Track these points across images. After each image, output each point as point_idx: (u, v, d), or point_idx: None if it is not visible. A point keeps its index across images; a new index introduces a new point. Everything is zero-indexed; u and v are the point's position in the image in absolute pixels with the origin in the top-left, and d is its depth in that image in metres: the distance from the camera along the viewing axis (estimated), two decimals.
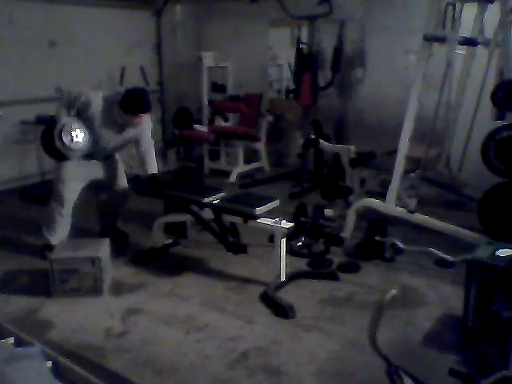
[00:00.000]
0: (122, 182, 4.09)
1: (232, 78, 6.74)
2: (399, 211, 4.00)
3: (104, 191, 4.10)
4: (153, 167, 3.84)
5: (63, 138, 3.53)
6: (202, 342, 2.81)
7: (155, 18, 7.25)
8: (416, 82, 3.81)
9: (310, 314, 3.09)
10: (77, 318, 3.06)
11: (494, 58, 3.93)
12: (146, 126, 3.82)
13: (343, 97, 6.26)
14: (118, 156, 4.09)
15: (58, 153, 3.62)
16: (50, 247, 3.70)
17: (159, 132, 7.42)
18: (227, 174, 6.32)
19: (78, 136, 3.56)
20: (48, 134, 3.63)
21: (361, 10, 5.85)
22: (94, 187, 4.02)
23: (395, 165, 3.94)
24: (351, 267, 3.69)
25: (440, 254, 3.58)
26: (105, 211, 4.22)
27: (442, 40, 3.80)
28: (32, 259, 3.83)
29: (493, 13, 3.95)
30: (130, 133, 3.77)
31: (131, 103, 3.54)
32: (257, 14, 6.53)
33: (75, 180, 3.78)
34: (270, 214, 3.42)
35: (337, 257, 3.87)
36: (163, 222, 3.98)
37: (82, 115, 3.61)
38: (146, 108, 3.62)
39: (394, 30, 5.52)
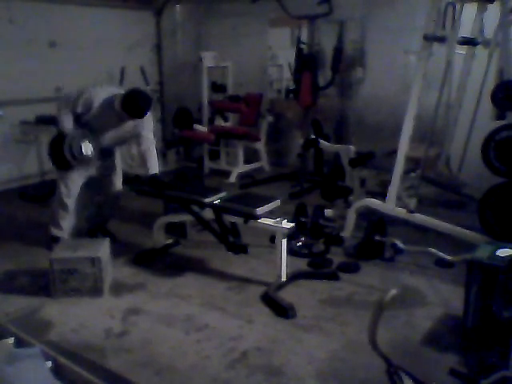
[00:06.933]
0: (117, 185, 4.10)
1: (232, 78, 6.74)
2: (399, 211, 4.00)
3: (98, 192, 4.10)
4: (153, 167, 3.84)
5: (74, 152, 3.61)
6: (202, 342, 2.81)
7: (155, 18, 7.25)
8: (416, 82, 3.81)
9: (310, 313, 3.09)
10: (77, 318, 3.06)
11: (494, 58, 3.93)
12: (147, 125, 3.82)
13: (343, 97, 6.27)
14: (117, 155, 4.09)
15: (66, 164, 3.68)
16: (57, 239, 3.77)
17: (159, 132, 7.42)
18: (227, 173, 6.31)
19: (88, 148, 3.64)
20: (56, 146, 3.67)
21: (361, 10, 5.85)
22: (89, 185, 4.00)
23: (395, 165, 3.95)
24: (351, 267, 3.70)
25: (440, 254, 3.58)
26: (96, 212, 4.22)
27: (442, 40, 3.80)
28: (32, 259, 3.83)
29: (493, 13, 3.95)
30: (128, 127, 3.76)
31: (131, 105, 3.56)
32: (257, 14, 6.53)
33: (77, 179, 3.85)
34: (270, 214, 3.42)
35: (337, 257, 3.87)
36: (163, 222, 3.98)
37: (86, 113, 3.63)
38: (142, 114, 3.64)
39: (393, 30, 5.53)
